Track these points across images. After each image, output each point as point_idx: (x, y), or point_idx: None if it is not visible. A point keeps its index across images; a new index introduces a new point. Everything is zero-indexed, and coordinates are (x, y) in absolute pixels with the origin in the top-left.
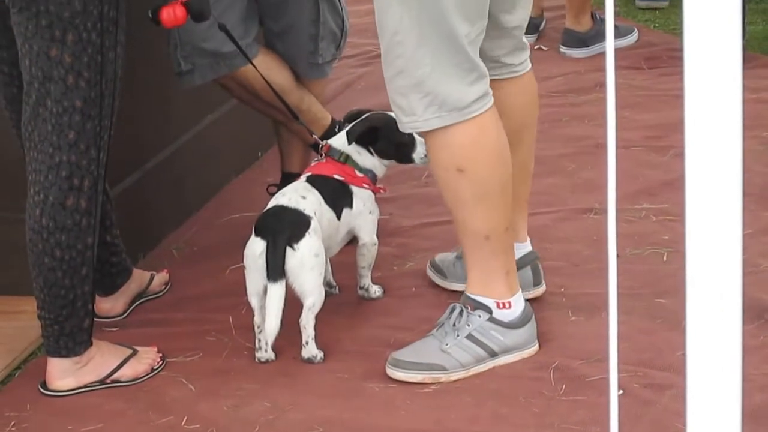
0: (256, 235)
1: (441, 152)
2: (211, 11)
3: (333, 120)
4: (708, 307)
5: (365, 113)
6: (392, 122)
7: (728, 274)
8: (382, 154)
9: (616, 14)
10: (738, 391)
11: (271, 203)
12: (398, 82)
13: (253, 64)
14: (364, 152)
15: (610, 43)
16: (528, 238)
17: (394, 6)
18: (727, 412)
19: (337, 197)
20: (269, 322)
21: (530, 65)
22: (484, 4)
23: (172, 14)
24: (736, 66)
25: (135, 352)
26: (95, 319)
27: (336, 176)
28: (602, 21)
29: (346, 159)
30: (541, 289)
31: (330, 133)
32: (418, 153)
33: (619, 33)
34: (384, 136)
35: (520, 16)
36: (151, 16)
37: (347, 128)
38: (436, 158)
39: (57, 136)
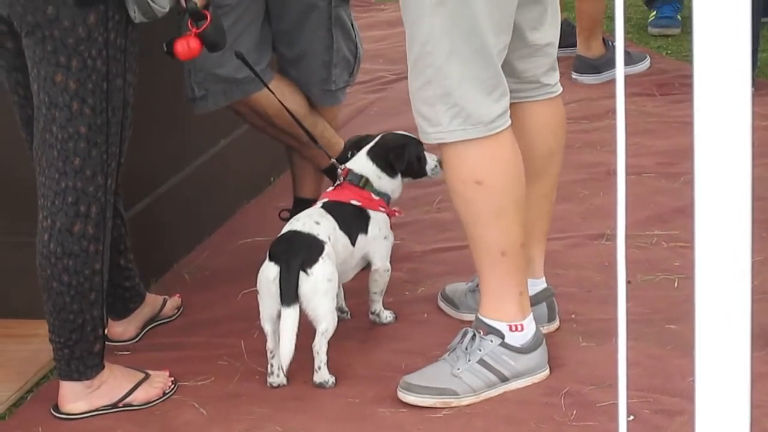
0: (270, 260)
1: (460, 165)
2: (226, 40)
3: (346, 146)
4: (717, 333)
5: (367, 139)
6: (411, 139)
7: (737, 301)
8: (404, 173)
9: (629, 41)
10: (747, 419)
11: (285, 228)
12: (426, 92)
13: (269, 89)
14: (384, 176)
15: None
16: (543, 275)
17: (427, 16)
18: None
19: (353, 223)
20: (284, 347)
21: (561, 88)
22: (510, 18)
23: (187, 47)
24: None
25: (147, 376)
26: (107, 343)
27: (353, 201)
28: (614, 47)
29: (366, 183)
30: (554, 325)
31: (343, 159)
32: (429, 165)
33: (631, 59)
34: (409, 154)
35: (549, 33)
36: (166, 49)
37: (367, 151)
38: (454, 171)
39: (63, 162)
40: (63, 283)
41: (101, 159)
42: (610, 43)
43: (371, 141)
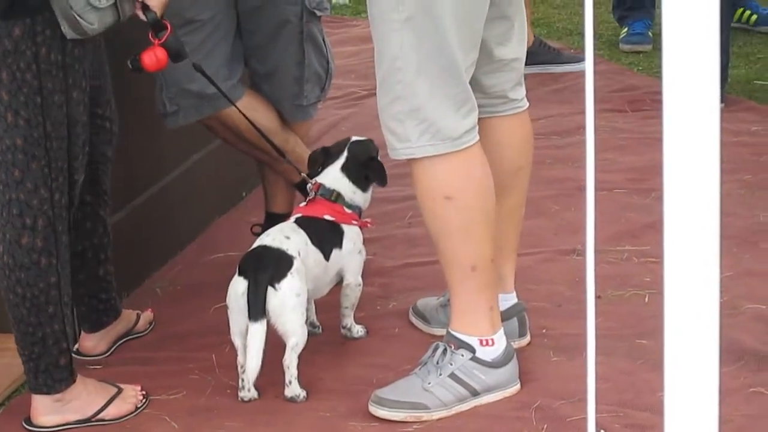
0: (239, 274)
1: (429, 180)
2: (186, 50)
3: (310, 160)
4: (686, 348)
5: (329, 152)
6: (372, 145)
7: (706, 316)
8: (381, 178)
9: (600, 57)
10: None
11: (256, 243)
12: (395, 108)
13: (235, 105)
14: (358, 191)
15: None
16: (514, 290)
17: (395, 32)
18: None
19: (326, 238)
20: (250, 362)
21: (528, 103)
22: (477, 34)
23: (154, 57)
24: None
25: (120, 391)
26: (79, 357)
27: (326, 217)
28: (541, 44)
29: (337, 197)
30: (525, 340)
31: (313, 173)
32: None
33: (561, 58)
34: (381, 165)
35: (516, 49)
36: (131, 65)
37: (341, 167)
38: (424, 186)
39: (4, 173)
40: (18, 296)
41: (42, 173)
42: (538, 38)
43: (334, 153)
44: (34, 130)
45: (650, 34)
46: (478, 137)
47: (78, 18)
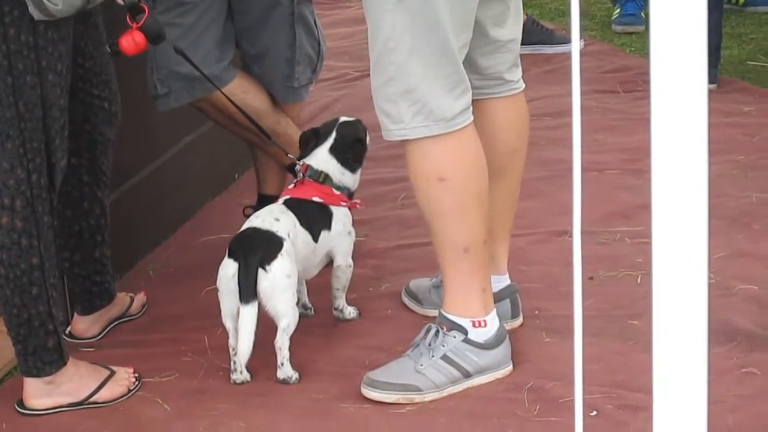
0: (229, 256)
1: (423, 162)
2: (165, 32)
3: (300, 141)
4: (674, 329)
5: (319, 132)
6: (360, 124)
7: (694, 296)
8: (360, 161)
9: (592, 38)
10: (704, 413)
11: (245, 225)
12: (388, 89)
13: (220, 90)
14: (347, 172)
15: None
16: (507, 271)
17: (389, 13)
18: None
19: (315, 220)
20: (241, 344)
21: (524, 84)
22: (471, 15)
23: (132, 41)
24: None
25: (112, 374)
26: (71, 340)
27: (315, 198)
28: (534, 23)
29: (325, 179)
30: (518, 322)
31: (302, 155)
32: None
33: (553, 39)
34: (361, 144)
35: (512, 29)
36: (110, 49)
37: (329, 148)
38: (417, 168)
39: None
40: (1, 276)
41: (17, 152)
42: (530, 18)
43: (323, 134)
44: (7, 110)
45: (643, 14)
46: (471, 118)
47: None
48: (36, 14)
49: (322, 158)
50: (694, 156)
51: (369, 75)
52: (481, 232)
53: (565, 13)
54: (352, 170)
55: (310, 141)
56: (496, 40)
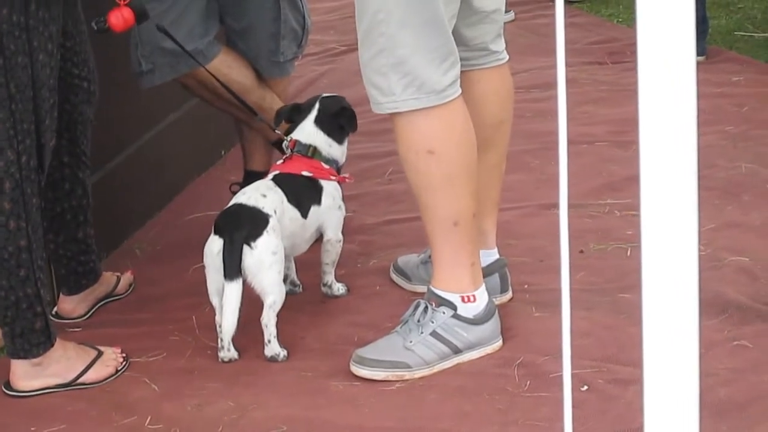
0: (215, 233)
1: (412, 134)
2: (147, 11)
3: (278, 115)
4: (664, 301)
5: (299, 108)
6: (342, 98)
7: (684, 268)
8: (346, 134)
9: (578, 9)
10: (696, 387)
11: (231, 202)
12: (379, 61)
13: (203, 66)
14: (334, 143)
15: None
16: (495, 246)
17: None
18: (685, 407)
19: (305, 195)
20: (226, 321)
21: (508, 56)
22: None
23: (121, 17)
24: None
25: (100, 354)
26: (58, 320)
27: (304, 173)
28: None
29: (314, 153)
30: (507, 296)
31: (289, 129)
32: None
33: None
34: (354, 114)
35: (496, 0)
36: (96, 27)
37: (314, 120)
38: (406, 140)
39: None
40: None
41: (8, 134)
42: None
43: (305, 108)
44: None
45: None
46: (460, 91)
47: None
48: None
49: (308, 132)
50: (682, 126)
51: (355, 49)
52: (470, 205)
53: None
54: (339, 141)
55: (284, 114)
56: (480, 11)
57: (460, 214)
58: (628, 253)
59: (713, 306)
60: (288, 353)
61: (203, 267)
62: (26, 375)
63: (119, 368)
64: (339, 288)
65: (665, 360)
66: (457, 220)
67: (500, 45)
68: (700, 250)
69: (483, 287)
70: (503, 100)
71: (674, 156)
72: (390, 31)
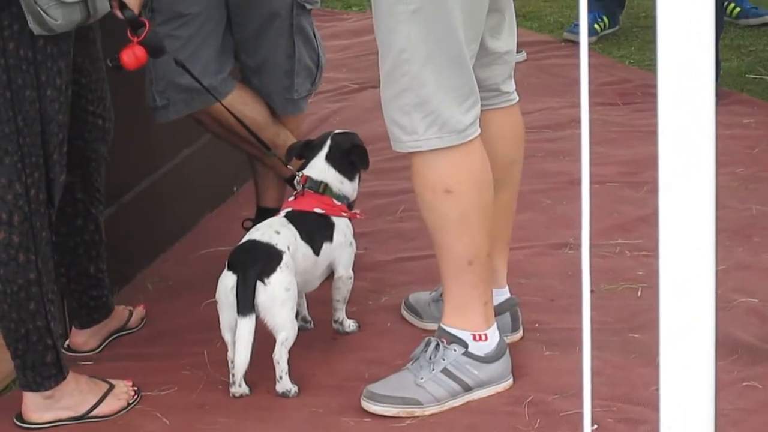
0: (228, 269)
1: (430, 173)
2: (165, 46)
3: (289, 153)
4: (681, 342)
5: (310, 144)
6: (354, 135)
7: (702, 310)
8: (357, 170)
9: (591, 49)
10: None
11: (245, 238)
12: (402, 100)
13: (219, 101)
14: (345, 180)
15: (584, 77)
16: (506, 285)
17: (403, 23)
18: None
19: (317, 232)
20: (239, 356)
21: (518, 96)
22: (480, 26)
23: (133, 56)
24: (709, 101)
25: (112, 387)
26: (70, 353)
27: (317, 210)
28: None
29: (325, 189)
30: (518, 335)
31: (302, 167)
32: None
33: None
34: (365, 151)
35: (508, 41)
36: (111, 64)
37: (325, 157)
38: (424, 179)
39: None
40: None
41: (16, 168)
42: None
43: (317, 145)
44: (6, 125)
45: (596, 26)
46: (479, 130)
47: (42, 13)
48: (36, 29)
49: (320, 168)
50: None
51: (367, 87)
52: (485, 244)
53: (564, 25)
54: (350, 178)
55: (295, 150)
56: (493, 52)
57: (475, 254)
58: (639, 293)
59: (723, 347)
60: (299, 389)
61: (215, 302)
62: (38, 407)
63: (131, 402)
64: (350, 325)
65: (681, 400)
66: (472, 259)
67: (511, 86)
68: None
69: (495, 326)
70: (514, 141)
71: (693, 196)
72: (414, 70)
